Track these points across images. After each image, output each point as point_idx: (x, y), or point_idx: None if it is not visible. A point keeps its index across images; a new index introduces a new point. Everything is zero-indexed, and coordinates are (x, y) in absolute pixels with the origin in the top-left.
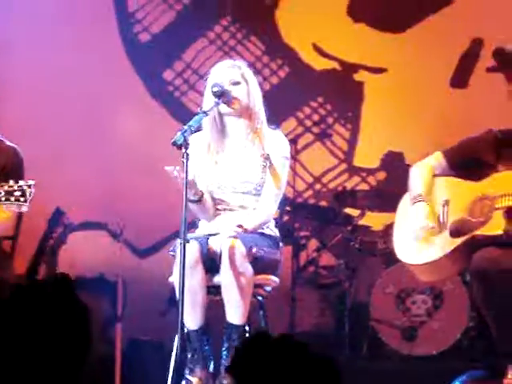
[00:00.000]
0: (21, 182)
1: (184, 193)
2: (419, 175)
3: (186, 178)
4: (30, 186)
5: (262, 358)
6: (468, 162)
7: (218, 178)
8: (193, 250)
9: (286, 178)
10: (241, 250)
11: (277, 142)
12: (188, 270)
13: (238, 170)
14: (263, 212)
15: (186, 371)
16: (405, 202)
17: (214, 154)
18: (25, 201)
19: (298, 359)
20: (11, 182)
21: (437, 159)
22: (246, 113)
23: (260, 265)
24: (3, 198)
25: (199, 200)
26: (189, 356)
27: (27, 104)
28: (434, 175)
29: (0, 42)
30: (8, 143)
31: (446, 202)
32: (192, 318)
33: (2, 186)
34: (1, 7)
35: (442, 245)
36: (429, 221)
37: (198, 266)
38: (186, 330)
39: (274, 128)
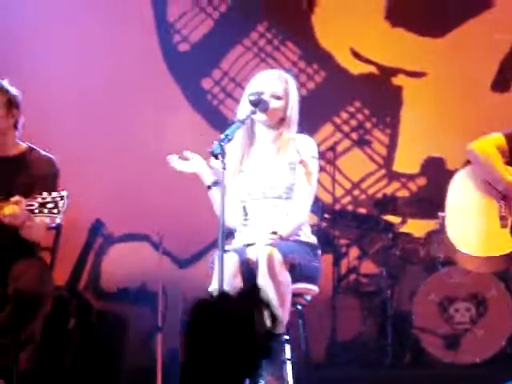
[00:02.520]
0: (54, 194)
1: (221, 201)
2: (496, 158)
3: (224, 189)
4: (62, 198)
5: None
6: None
7: (246, 186)
8: (231, 261)
9: (316, 177)
10: (278, 257)
11: (303, 143)
12: (227, 281)
13: (266, 175)
14: (296, 215)
15: None
16: (466, 186)
17: (242, 162)
18: (58, 212)
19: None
20: (45, 194)
21: (499, 141)
22: (277, 125)
23: (298, 272)
24: (36, 211)
25: (216, 183)
26: None
27: (65, 114)
28: None
29: (34, 50)
30: (43, 153)
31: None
32: None
33: (35, 197)
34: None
35: (503, 242)
36: None
37: (236, 277)
38: None
39: (298, 132)
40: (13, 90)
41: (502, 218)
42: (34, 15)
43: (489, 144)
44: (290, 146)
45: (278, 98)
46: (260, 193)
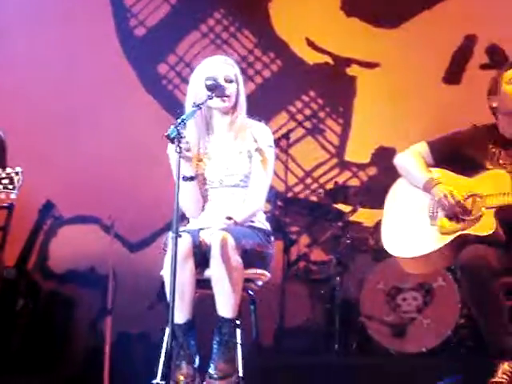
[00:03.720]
0: (8, 170)
1: (176, 185)
2: (418, 162)
3: (179, 169)
4: (17, 174)
5: None
6: (452, 156)
7: (204, 173)
8: (184, 243)
9: (272, 166)
10: (231, 242)
11: (260, 132)
12: (179, 264)
13: (223, 164)
14: (252, 203)
15: (172, 366)
16: (401, 192)
17: (200, 149)
18: (13, 188)
19: None
20: None
21: (422, 149)
22: (231, 110)
23: (251, 258)
24: None
25: (193, 177)
26: (175, 351)
27: (22, 95)
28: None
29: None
30: None
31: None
32: (179, 312)
33: None
34: None
35: (434, 239)
36: (460, 197)
37: (188, 260)
38: None
39: (256, 119)
40: None
41: (431, 217)
42: None
43: (411, 153)
44: (246, 134)
45: (231, 81)
46: (217, 181)
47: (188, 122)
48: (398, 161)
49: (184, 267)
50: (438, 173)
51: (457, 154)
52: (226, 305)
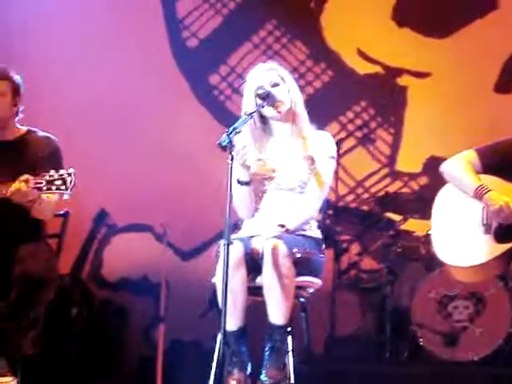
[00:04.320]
0: (61, 171)
1: (228, 192)
2: (467, 168)
3: (231, 177)
4: (70, 175)
5: None
6: (501, 164)
7: (262, 174)
8: (236, 251)
9: (331, 177)
10: (283, 250)
11: (322, 141)
12: (230, 271)
13: (282, 167)
14: (306, 210)
15: (225, 373)
16: (449, 199)
17: (257, 152)
18: (66, 188)
19: None
20: (52, 172)
21: (471, 156)
22: (290, 116)
23: (302, 266)
24: (45, 188)
25: (248, 183)
26: (227, 358)
27: (80, 108)
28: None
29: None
30: (42, 133)
31: None
32: (231, 319)
33: (43, 176)
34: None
35: (488, 248)
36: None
37: (240, 267)
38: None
39: (320, 129)
40: (17, 78)
41: (485, 225)
42: (40, 12)
43: (460, 159)
44: (308, 141)
45: (276, 84)
46: (275, 183)
47: (244, 130)
48: (446, 167)
49: (236, 274)
50: (486, 179)
51: (506, 161)
52: (277, 312)
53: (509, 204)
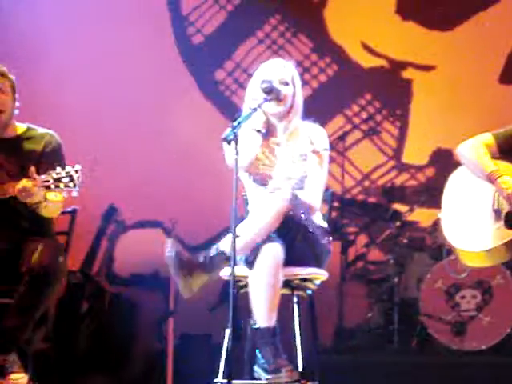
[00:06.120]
0: (68, 168)
1: (234, 192)
2: (483, 152)
3: (237, 174)
4: (77, 171)
5: None
6: None
7: (262, 174)
8: (279, 251)
9: (327, 168)
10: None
11: (315, 134)
12: (277, 269)
13: (279, 168)
14: (307, 198)
15: (257, 368)
16: (461, 182)
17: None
18: (74, 186)
19: None
20: (58, 169)
21: (488, 139)
22: (288, 114)
23: (308, 248)
24: (52, 186)
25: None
26: (261, 352)
27: (88, 106)
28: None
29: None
30: (41, 130)
31: None
32: (273, 315)
33: (49, 173)
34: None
35: (499, 234)
36: None
37: (282, 267)
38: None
39: (311, 121)
40: (12, 76)
41: (495, 211)
42: (48, 13)
43: (476, 142)
44: (300, 136)
45: (286, 83)
46: (272, 185)
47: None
48: (462, 150)
49: (280, 272)
50: (502, 165)
51: None
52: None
53: None
